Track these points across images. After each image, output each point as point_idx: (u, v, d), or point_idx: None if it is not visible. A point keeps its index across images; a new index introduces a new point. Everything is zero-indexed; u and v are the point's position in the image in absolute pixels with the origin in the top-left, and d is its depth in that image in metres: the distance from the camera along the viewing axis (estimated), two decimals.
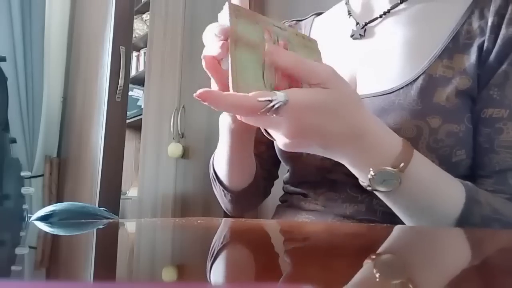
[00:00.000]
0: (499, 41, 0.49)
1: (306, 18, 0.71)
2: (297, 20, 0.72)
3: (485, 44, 0.49)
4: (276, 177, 0.73)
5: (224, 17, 0.40)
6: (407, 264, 0.23)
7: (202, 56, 0.41)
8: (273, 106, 0.35)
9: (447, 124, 0.48)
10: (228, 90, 0.37)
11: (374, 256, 0.25)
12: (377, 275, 0.20)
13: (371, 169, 0.41)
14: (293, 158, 0.60)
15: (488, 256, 0.27)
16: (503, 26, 0.49)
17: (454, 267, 0.22)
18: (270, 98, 0.35)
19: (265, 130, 0.44)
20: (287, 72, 0.39)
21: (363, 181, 0.44)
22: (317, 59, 0.46)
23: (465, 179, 0.46)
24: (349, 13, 0.61)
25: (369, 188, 0.43)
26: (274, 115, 0.36)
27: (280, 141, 0.40)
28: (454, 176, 0.46)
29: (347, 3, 0.63)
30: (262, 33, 0.41)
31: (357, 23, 0.59)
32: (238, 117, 0.40)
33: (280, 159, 0.64)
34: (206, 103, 0.36)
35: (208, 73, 0.42)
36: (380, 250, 0.29)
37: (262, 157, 0.69)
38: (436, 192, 0.44)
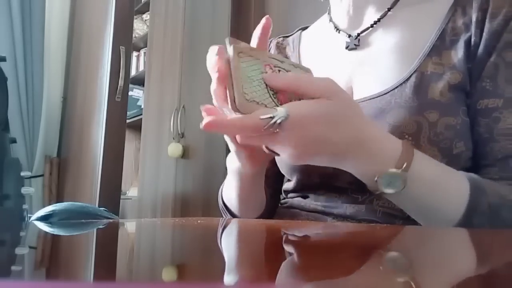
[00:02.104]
0: (485, 34, 0.51)
1: (293, 34, 0.73)
2: (284, 36, 0.74)
3: (473, 39, 0.51)
4: (280, 192, 0.73)
5: (225, 52, 0.41)
6: (411, 263, 0.23)
7: (213, 70, 0.42)
8: (275, 122, 0.37)
9: (445, 117, 0.50)
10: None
11: (374, 255, 0.25)
12: (378, 274, 0.20)
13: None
14: (296, 170, 0.60)
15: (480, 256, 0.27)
16: (487, 20, 0.51)
17: (458, 268, 0.22)
18: (271, 115, 0.37)
19: (266, 147, 0.45)
20: (288, 91, 0.41)
21: (371, 186, 0.45)
22: None
23: (468, 171, 0.47)
24: (336, 29, 0.63)
25: (377, 192, 0.44)
26: (278, 130, 0.38)
27: (286, 154, 0.41)
28: (457, 169, 0.47)
29: (330, 20, 0.65)
30: (262, 68, 0.43)
31: (349, 35, 0.61)
32: (238, 139, 0.41)
33: (283, 173, 0.65)
34: (213, 132, 0.37)
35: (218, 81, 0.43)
36: (380, 249, 0.29)
37: (267, 175, 0.69)
38: (442, 187, 0.44)
